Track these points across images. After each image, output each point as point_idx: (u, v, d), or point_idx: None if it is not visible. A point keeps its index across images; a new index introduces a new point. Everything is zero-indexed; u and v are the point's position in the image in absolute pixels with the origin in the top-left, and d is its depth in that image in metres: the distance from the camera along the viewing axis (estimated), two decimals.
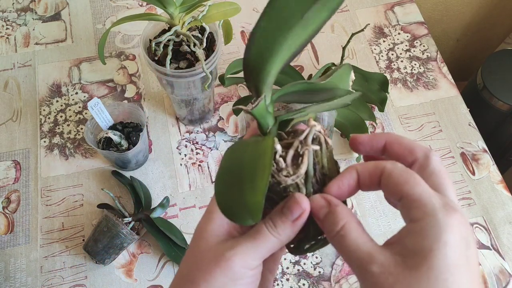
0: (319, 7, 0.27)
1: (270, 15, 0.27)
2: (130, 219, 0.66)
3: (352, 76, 0.36)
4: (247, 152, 0.29)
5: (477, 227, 0.69)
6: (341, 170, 0.31)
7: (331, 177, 0.29)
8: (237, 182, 0.27)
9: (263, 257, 0.29)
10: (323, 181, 0.29)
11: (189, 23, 0.62)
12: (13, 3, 0.90)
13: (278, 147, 0.29)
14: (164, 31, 0.64)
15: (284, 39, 0.28)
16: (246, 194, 0.26)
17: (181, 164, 0.74)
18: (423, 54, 0.85)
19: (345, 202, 0.30)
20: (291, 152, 0.29)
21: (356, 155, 0.74)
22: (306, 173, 0.29)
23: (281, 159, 0.29)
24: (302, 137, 0.29)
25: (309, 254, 0.67)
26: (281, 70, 0.30)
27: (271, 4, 0.27)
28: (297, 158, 0.29)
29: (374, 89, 0.72)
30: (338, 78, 0.36)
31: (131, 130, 0.70)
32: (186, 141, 0.76)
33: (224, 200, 0.27)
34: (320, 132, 0.30)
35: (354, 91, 0.35)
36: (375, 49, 0.86)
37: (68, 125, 0.77)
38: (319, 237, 0.30)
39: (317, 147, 0.29)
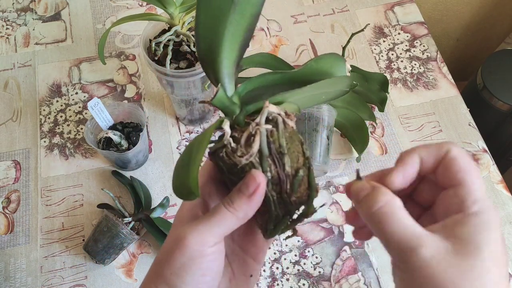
0: None
1: (203, 8, 0.28)
2: (130, 219, 0.66)
3: (348, 66, 0.37)
4: (196, 138, 0.31)
5: None
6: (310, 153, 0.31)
7: (292, 157, 0.30)
8: (184, 165, 0.30)
9: (221, 235, 0.30)
10: (281, 160, 0.29)
11: (189, 23, 0.62)
12: (13, 3, 0.90)
13: (227, 128, 0.30)
14: (164, 31, 0.64)
15: (223, 27, 0.29)
16: (187, 174, 0.28)
17: None
18: (423, 54, 0.85)
19: None
20: (245, 134, 0.30)
21: (356, 154, 0.74)
22: (261, 152, 0.29)
23: (231, 140, 0.30)
24: (257, 119, 0.30)
25: (309, 254, 0.67)
26: (237, 59, 0.31)
27: None
28: (251, 139, 0.29)
29: (374, 89, 0.72)
30: (327, 65, 0.36)
31: (131, 130, 0.70)
32: (186, 141, 0.76)
33: (175, 183, 0.30)
34: (279, 114, 0.30)
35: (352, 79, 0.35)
36: (375, 49, 0.86)
37: (68, 125, 0.77)
38: (285, 219, 0.30)
39: (268, 126, 0.30)
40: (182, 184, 0.29)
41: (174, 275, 0.29)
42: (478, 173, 0.27)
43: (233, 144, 0.30)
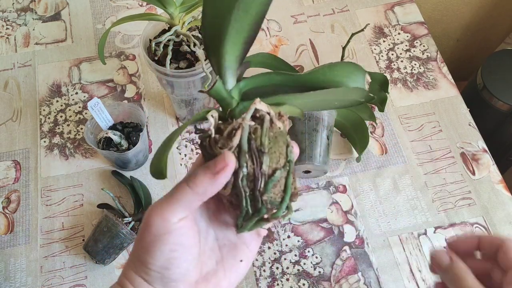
0: None
1: (210, 1, 0.30)
2: (130, 219, 0.66)
3: (368, 78, 0.37)
4: (176, 129, 0.33)
5: (477, 227, 0.69)
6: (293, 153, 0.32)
7: (272, 157, 0.30)
8: (159, 151, 0.33)
9: (183, 211, 0.30)
10: (259, 158, 0.30)
11: (189, 23, 0.62)
12: (13, 3, 0.90)
13: (211, 118, 0.31)
14: (164, 31, 0.64)
15: (228, 22, 0.30)
16: (160, 158, 0.32)
17: (181, 164, 0.74)
18: (423, 54, 0.85)
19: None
20: (229, 127, 0.30)
21: (356, 154, 0.74)
22: (240, 147, 0.30)
23: (213, 130, 0.31)
24: (244, 114, 0.30)
25: (309, 254, 0.67)
26: (241, 54, 0.32)
27: None
28: (233, 132, 0.30)
29: (374, 89, 0.72)
30: (342, 74, 0.36)
31: (131, 130, 0.70)
32: (186, 141, 0.76)
33: (151, 167, 0.34)
34: (268, 113, 0.31)
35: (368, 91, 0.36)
36: (375, 49, 0.86)
37: (68, 125, 0.77)
38: (254, 216, 0.31)
39: (252, 123, 0.30)
40: (156, 166, 0.32)
41: (145, 252, 0.30)
42: None
43: (216, 135, 0.30)
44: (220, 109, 0.34)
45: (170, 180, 0.73)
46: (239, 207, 0.31)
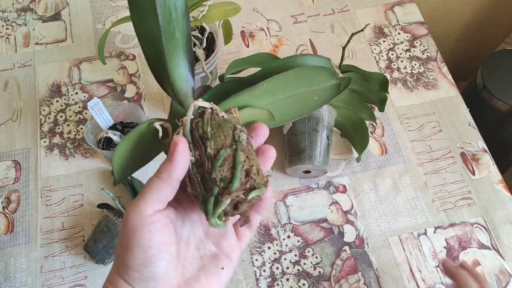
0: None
1: (142, 38, 0.32)
2: None
3: (333, 61, 0.36)
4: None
5: (477, 227, 0.69)
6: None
7: (216, 141, 0.32)
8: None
9: (155, 202, 0.31)
10: (203, 144, 0.32)
11: None
12: (13, 3, 0.90)
13: (157, 125, 0.34)
14: None
15: (162, 52, 0.32)
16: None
17: None
18: (423, 54, 0.85)
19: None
20: (177, 130, 0.33)
21: (356, 154, 0.74)
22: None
23: (161, 134, 0.34)
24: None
25: (309, 254, 0.67)
26: (188, 73, 0.34)
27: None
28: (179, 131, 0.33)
29: (374, 89, 0.72)
30: (303, 59, 0.36)
31: (131, 130, 0.70)
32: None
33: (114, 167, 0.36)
34: (211, 108, 0.33)
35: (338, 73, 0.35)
36: (375, 49, 0.86)
37: (68, 125, 0.77)
38: (210, 198, 0.32)
39: (191, 116, 0.33)
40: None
41: (124, 250, 0.31)
42: None
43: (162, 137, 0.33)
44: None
45: None
46: (198, 196, 0.32)
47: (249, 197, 0.31)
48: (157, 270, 0.31)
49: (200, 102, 0.33)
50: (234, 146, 0.32)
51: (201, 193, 0.32)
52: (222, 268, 0.35)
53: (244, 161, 0.32)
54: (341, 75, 0.35)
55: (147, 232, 0.31)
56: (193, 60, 0.35)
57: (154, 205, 0.31)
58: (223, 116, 0.33)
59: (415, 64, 0.84)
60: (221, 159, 0.31)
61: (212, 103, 0.33)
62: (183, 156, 0.31)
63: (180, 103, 0.34)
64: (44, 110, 0.79)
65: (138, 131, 0.34)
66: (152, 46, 0.32)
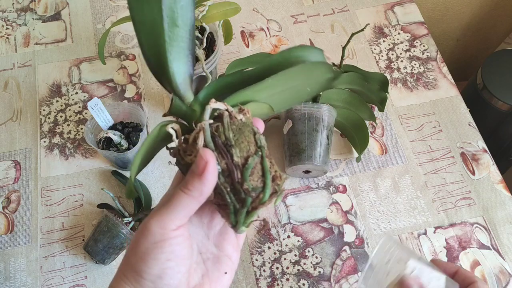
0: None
1: (142, 30, 0.30)
2: (130, 219, 0.66)
3: (326, 55, 0.36)
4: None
5: (477, 227, 0.69)
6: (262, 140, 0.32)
7: (241, 147, 0.30)
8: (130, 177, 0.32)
9: (181, 217, 0.30)
10: (228, 152, 0.30)
11: None
12: (13, 3, 0.90)
13: (170, 130, 0.31)
14: None
15: (163, 42, 0.30)
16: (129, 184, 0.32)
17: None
18: (423, 54, 0.85)
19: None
20: (193, 134, 0.31)
21: (356, 154, 0.74)
22: (207, 147, 0.30)
23: (176, 141, 0.31)
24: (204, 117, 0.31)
25: (309, 254, 0.67)
26: (188, 70, 0.32)
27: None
28: (196, 137, 0.31)
29: (374, 89, 0.72)
30: (301, 53, 0.35)
31: (131, 130, 0.70)
32: None
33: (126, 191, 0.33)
34: (227, 110, 0.31)
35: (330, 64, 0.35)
36: (375, 49, 0.86)
37: (68, 125, 0.77)
38: (242, 209, 0.31)
39: (210, 121, 0.31)
40: (128, 188, 0.32)
41: (140, 260, 0.30)
42: None
43: (183, 145, 0.31)
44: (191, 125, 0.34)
45: (170, 180, 0.73)
46: (227, 205, 0.31)
47: (275, 203, 0.31)
48: (172, 282, 0.31)
49: (215, 104, 0.31)
50: (260, 153, 0.31)
51: (231, 203, 0.31)
52: (226, 273, 0.35)
53: (270, 168, 0.31)
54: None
55: (169, 246, 0.30)
56: (195, 51, 0.33)
57: (179, 221, 0.31)
58: (241, 119, 0.32)
59: (415, 64, 0.84)
60: (251, 168, 0.30)
61: (225, 103, 0.32)
62: (214, 174, 0.30)
63: (180, 97, 0.33)
64: (44, 110, 0.79)
65: (151, 139, 0.32)
66: (150, 34, 0.30)
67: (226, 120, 0.31)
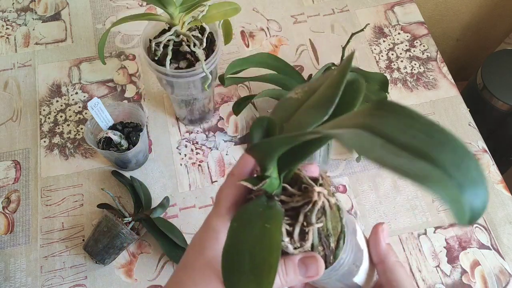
0: None
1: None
2: (130, 219, 0.66)
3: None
4: (253, 235, 0.27)
5: (477, 227, 0.69)
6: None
7: (335, 234, 0.31)
8: (245, 271, 0.26)
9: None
10: (327, 241, 0.31)
11: (189, 23, 0.62)
12: (13, 3, 0.90)
13: (284, 230, 0.29)
14: (164, 31, 0.64)
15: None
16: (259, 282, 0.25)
17: (181, 164, 0.74)
18: (423, 54, 0.85)
19: None
20: (297, 229, 0.29)
21: (356, 154, 0.74)
22: (312, 244, 0.30)
23: (287, 239, 0.30)
24: (307, 209, 0.29)
25: None
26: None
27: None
28: (303, 233, 0.30)
29: (374, 89, 0.72)
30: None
31: (131, 130, 0.70)
32: (186, 141, 0.76)
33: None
34: (328, 199, 0.30)
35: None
36: (375, 49, 0.86)
37: (68, 125, 0.77)
38: None
39: (320, 225, 0.30)
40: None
41: (208, 265, 0.29)
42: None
43: (286, 239, 0.30)
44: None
45: (170, 180, 0.73)
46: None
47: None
48: None
49: (320, 188, 0.29)
50: (343, 230, 0.32)
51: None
52: None
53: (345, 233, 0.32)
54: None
55: None
56: None
57: None
58: (335, 203, 0.31)
59: (415, 64, 0.84)
60: (342, 249, 0.31)
61: (324, 187, 0.30)
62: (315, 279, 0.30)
63: (266, 170, 0.29)
64: (44, 110, 0.79)
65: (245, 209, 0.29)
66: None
67: (328, 212, 0.30)
